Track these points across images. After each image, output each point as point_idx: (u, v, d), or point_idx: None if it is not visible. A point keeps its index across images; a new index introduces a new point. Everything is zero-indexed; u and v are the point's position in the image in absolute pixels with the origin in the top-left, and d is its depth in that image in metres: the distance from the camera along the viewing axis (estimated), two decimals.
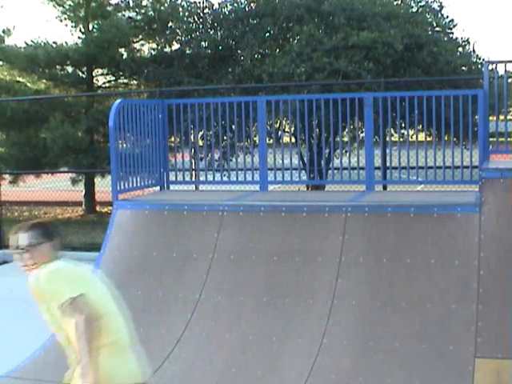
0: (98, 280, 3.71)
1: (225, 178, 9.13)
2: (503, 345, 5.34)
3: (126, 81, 16.54)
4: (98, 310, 3.40)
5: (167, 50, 15.57)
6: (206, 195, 7.95)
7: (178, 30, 15.27)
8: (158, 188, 8.21)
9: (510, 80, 7.75)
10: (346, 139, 12.55)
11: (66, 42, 15.50)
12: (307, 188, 11.96)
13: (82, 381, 3.27)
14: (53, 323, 3.52)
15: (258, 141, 8.14)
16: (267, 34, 14.44)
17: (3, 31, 15.85)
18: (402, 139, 7.97)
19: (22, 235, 3.58)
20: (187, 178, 8.82)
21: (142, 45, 16.24)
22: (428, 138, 10.52)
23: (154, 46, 16.01)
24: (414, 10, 15.20)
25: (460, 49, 14.52)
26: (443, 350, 5.45)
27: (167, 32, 15.56)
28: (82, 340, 3.27)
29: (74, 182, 15.98)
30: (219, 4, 14.84)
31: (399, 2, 15.37)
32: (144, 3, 15.87)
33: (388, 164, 8.34)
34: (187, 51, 14.69)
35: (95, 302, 3.41)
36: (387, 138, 9.15)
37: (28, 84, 16.11)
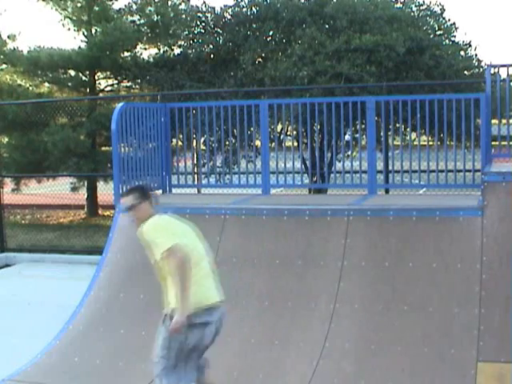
0: (185, 227, 4.68)
1: (227, 182, 9.13)
2: (505, 348, 5.33)
3: (128, 84, 16.55)
4: (188, 251, 4.32)
5: (170, 53, 15.58)
6: (208, 199, 7.95)
7: (180, 35, 15.28)
8: (160, 191, 8.22)
9: None
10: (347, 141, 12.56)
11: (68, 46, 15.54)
12: (309, 192, 11.95)
13: (179, 308, 4.22)
14: (153, 262, 4.48)
15: (260, 144, 8.14)
16: (269, 38, 14.44)
17: (8, 36, 15.86)
18: (404, 143, 7.97)
19: (124, 199, 4.67)
20: (189, 182, 8.83)
21: (145, 49, 16.26)
22: (430, 142, 10.55)
23: (157, 50, 16.02)
24: (416, 13, 15.20)
25: (462, 52, 14.52)
26: (445, 353, 5.45)
27: (170, 36, 15.57)
28: (178, 277, 4.22)
29: (74, 189, 15.95)
30: (221, 8, 14.85)
31: (401, 6, 15.38)
32: (147, 8, 15.88)
33: (390, 168, 8.34)
34: (189, 55, 14.70)
35: (186, 246, 4.34)
36: (389, 142, 9.15)
37: (30, 87, 16.12)
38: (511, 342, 5.31)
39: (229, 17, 14.77)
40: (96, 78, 16.24)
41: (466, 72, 13.99)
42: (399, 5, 15.36)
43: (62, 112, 15.14)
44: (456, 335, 5.53)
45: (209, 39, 14.53)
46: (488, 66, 7.19)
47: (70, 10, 15.74)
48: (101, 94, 16.60)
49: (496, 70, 7.51)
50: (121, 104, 7.37)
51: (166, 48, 15.74)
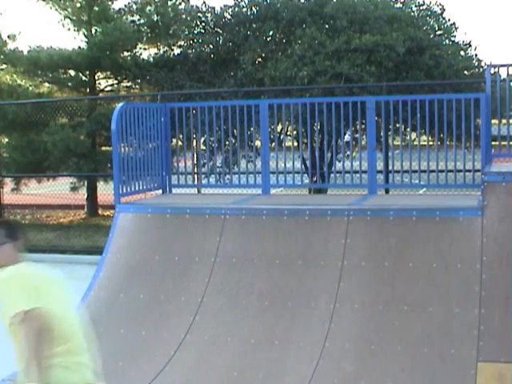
0: (55, 286, 3.53)
1: (227, 182, 9.13)
2: (505, 348, 5.33)
3: (128, 84, 16.56)
4: (52, 320, 3.29)
5: (170, 53, 15.60)
6: (208, 199, 7.95)
7: (180, 35, 15.29)
8: (160, 191, 8.22)
9: None
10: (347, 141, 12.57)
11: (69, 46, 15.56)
12: (309, 192, 11.96)
13: None
14: (5, 324, 3.36)
15: (260, 144, 8.15)
16: (269, 38, 14.45)
17: (8, 36, 15.88)
18: (404, 143, 7.97)
19: None
20: (189, 182, 8.83)
21: (145, 49, 16.27)
22: (430, 142, 10.55)
23: (157, 50, 16.04)
24: (416, 13, 15.21)
25: (462, 52, 14.54)
26: (445, 353, 5.44)
27: (170, 36, 15.59)
28: (31, 352, 3.18)
29: (74, 189, 15.96)
30: (221, 8, 14.87)
31: (401, 6, 15.39)
32: (147, 7, 15.89)
33: (390, 168, 8.34)
34: (189, 55, 14.72)
35: (49, 312, 3.28)
36: (389, 142, 9.16)
37: (30, 87, 16.14)
38: (511, 342, 5.31)
39: (229, 17, 14.78)
40: (96, 77, 16.26)
41: (466, 72, 14.00)
42: (399, 5, 15.38)
43: (62, 112, 15.16)
44: (456, 335, 5.53)
45: (209, 39, 14.54)
46: (488, 65, 7.19)
47: (69, 10, 15.75)
48: (101, 94, 16.62)
49: (496, 69, 7.51)
50: (121, 104, 7.37)
51: (166, 48, 15.77)
